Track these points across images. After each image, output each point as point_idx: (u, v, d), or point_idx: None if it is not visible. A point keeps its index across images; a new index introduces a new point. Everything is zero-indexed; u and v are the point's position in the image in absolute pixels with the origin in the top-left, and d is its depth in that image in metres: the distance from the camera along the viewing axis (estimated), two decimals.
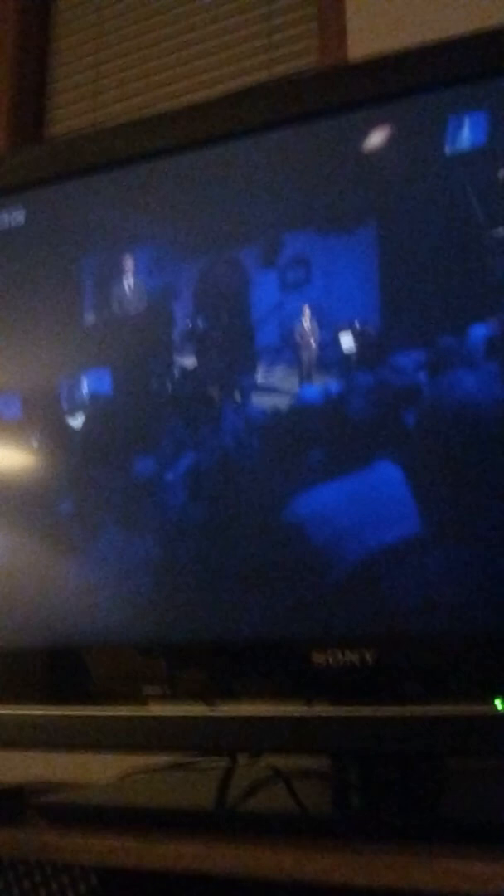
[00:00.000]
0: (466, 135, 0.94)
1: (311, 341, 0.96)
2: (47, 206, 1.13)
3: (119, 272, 1.07)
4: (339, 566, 0.90)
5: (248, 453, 0.96)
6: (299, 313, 0.97)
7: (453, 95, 0.95)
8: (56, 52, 1.97)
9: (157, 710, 0.94)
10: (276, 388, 0.97)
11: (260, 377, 0.98)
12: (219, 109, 1.08)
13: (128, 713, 0.94)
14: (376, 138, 0.98)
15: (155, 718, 0.93)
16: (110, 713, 0.95)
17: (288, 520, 0.93)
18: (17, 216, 1.14)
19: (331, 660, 0.86)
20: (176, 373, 1.02)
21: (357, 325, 0.94)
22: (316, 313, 0.96)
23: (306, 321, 0.97)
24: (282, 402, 0.96)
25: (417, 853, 0.72)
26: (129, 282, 1.06)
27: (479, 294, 0.90)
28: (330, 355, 0.95)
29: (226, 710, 0.92)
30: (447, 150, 0.94)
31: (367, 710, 0.85)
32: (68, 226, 1.12)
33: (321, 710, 0.88)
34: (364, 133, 0.98)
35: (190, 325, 1.03)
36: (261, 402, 0.97)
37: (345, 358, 0.94)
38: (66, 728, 0.96)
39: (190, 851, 0.79)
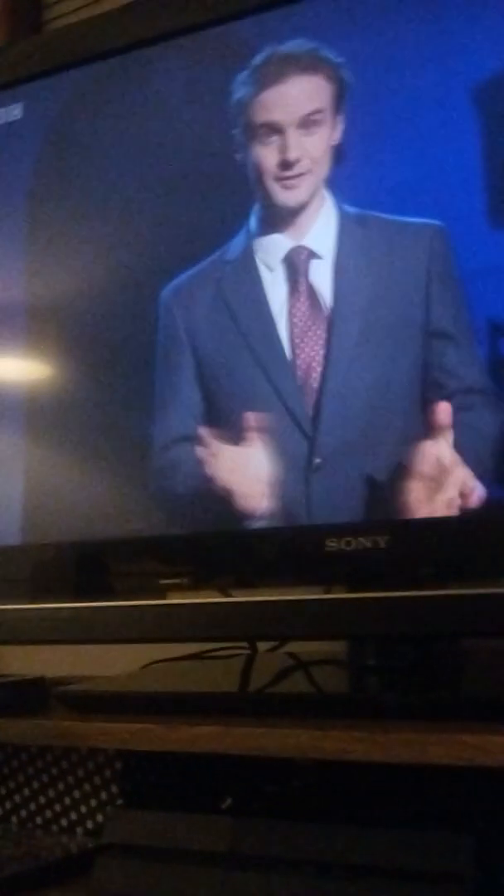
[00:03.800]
0: None
1: None
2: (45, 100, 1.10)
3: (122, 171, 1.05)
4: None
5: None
6: None
7: None
8: None
9: (175, 600, 0.95)
10: None
11: None
12: None
13: (147, 604, 0.95)
14: None
15: (174, 608, 0.94)
16: (130, 604, 0.96)
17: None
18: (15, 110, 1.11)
19: (344, 546, 0.86)
20: None
21: None
22: None
23: None
24: None
25: (433, 729, 0.73)
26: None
27: None
28: None
29: (243, 598, 0.92)
30: None
31: (382, 594, 0.85)
32: (67, 120, 1.09)
33: (338, 595, 0.89)
34: None
35: None
36: None
37: None
38: (87, 621, 0.97)
39: (209, 732, 0.80)
